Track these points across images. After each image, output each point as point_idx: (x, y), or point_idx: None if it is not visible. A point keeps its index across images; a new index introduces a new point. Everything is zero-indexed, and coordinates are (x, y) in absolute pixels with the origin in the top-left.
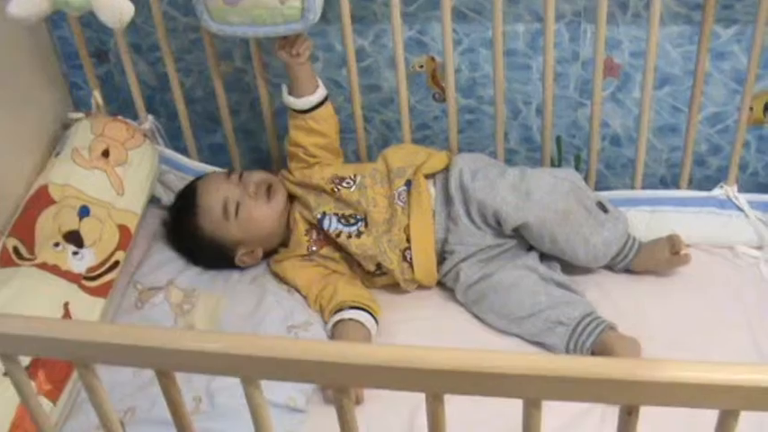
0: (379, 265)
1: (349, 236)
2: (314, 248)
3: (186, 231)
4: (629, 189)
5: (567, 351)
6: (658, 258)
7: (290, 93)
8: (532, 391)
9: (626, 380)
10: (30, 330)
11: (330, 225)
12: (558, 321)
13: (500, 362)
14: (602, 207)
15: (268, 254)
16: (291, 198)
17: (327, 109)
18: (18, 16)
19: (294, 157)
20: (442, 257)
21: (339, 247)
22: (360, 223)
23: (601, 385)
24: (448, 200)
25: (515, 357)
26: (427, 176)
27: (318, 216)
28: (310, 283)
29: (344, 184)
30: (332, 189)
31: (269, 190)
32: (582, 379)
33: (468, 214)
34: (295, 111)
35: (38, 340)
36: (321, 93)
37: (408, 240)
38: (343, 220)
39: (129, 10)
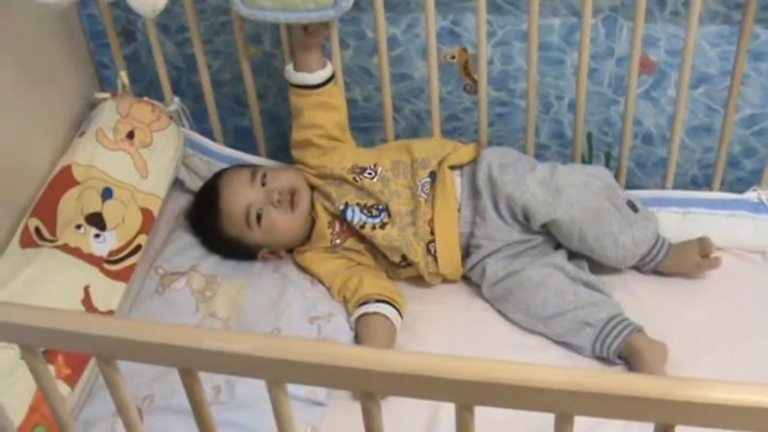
0: (404, 257)
1: (373, 227)
2: (337, 241)
3: (207, 230)
4: (660, 189)
5: (594, 352)
6: (688, 261)
7: (299, 69)
8: (566, 407)
9: (664, 399)
10: (51, 323)
11: (354, 216)
12: (584, 322)
13: (535, 375)
14: (633, 206)
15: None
16: (311, 188)
17: (337, 84)
18: (48, 1)
19: (308, 145)
20: (467, 251)
21: (363, 239)
22: (383, 214)
23: (637, 403)
24: (475, 193)
25: (550, 371)
26: (453, 168)
27: (341, 207)
28: (334, 275)
29: (366, 174)
30: (353, 178)
31: (293, 197)
32: (618, 396)
33: (497, 208)
34: (308, 87)
35: (58, 333)
36: (330, 67)
37: (432, 233)
38: (366, 211)
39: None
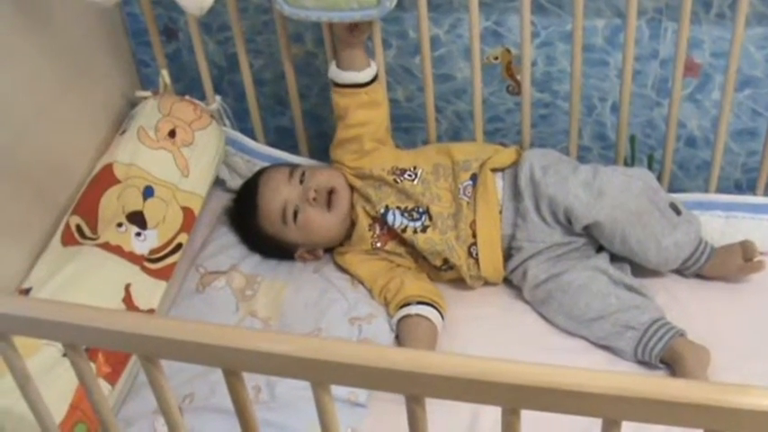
0: (445, 261)
1: (415, 231)
2: (378, 245)
3: (247, 227)
4: (703, 192)
5: (635, 356)
6: (730, 265)
7: (346, 68)
8: (613, 412)
9: (713, 405)
10: (96, 321)
11: (395, 220)
12: (627, 326)
13: (582, 380)
14: (676, 209)
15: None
16: (351, 189)
17: (380, 81)
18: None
19: (353, 143)
20: (509, 254)
21: (404, 242)
22: (423, 217)
23: (685, 409)
24: (516, 194)
25: (598, 376)
26: (494, 170)
27: (381, 210)
28: (375, 276)
29: (406, 176)
30: (393, 180)
31: (330, 196)
32: (666, 402)
33: (538, 210)
34: (356, 86)
35: (104, 332)
36: (374, 64)
37: (474, 236)
38: (406, 214)
39: None
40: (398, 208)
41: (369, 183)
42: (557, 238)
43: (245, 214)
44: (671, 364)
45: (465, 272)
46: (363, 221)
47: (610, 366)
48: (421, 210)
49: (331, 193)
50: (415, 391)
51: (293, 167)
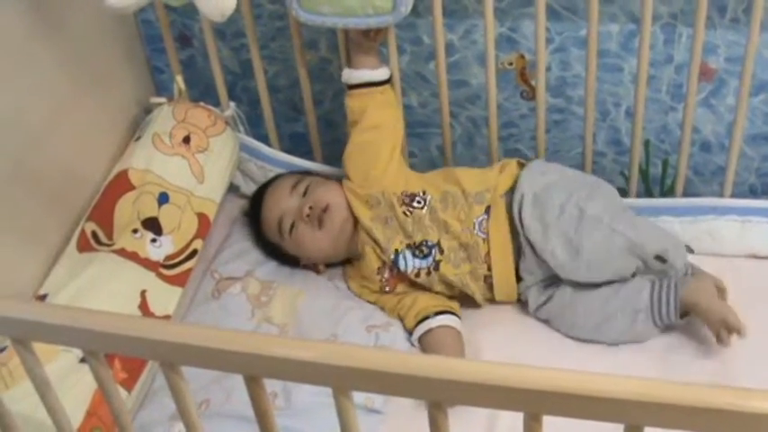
0: (460, 291)
1: (428, 272)
2: (387, 289)
3: (255, 232)
4: (718, 197)
5: (657, 327)
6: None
7: (363, 67)
8: (636, 417)
9: (736, 411)
10: (117, 328)
11: (407, 265)
12: (633, 310)
13: (606, 385)
14: (661, 258)
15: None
16: (356, 222)
17: (395, 86)
18: (116, 6)
19: (364, 150)
20: (516, 277)
21: (414, 283)
22: (434, 250)
23: (708, 414)
24: (514, 228)
25: (621, 381)
26: (502, 196)
27: (392, 257)
28: (384, 302)
29: (416, 203)
30: (404, 212)
31: (322, 215)
32: (690, 407)
33: (533, 248)
34: (372, 85)
35: (124, 339)
36: (388, 66)
37: (489, 268)
38: (417, 252)
39: (231, 3)
40: (408, 246)
41: (377, 215)
42: (554, 272)
43: (251, 221)
44: (688, 313)
45: (479, 299)
46: (372, 263)
47: (630, 365)
48: (430, 243)
49: (325, 210)
50: (438, 397)
51: (301, 178)
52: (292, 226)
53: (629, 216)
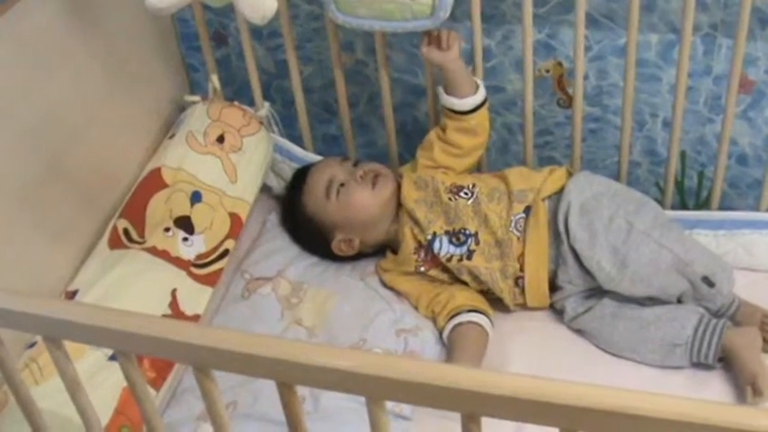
0: (489, 289)
1: (460, 258)
2: (422, 269)
3: (291, 208)
4: (753, 210)
5: (694, 364)
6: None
7: (449, 93)
8: None
9: None
10: (148, 330)
11: (441, 248)
12: (673, 344)
13: (644, 403)
14: (709, 281)
15: (372, 252)
16: (400, 207)
17: (487, 110)
18: (157, 6)
19: (438, 155)
20: (551, 286)
21: (448, 269)
22: (470, 240)
23: None
24: (557, 234)
25: (659, 400)
26: (544, 199)
27: (429, 237)
28: (420, 291)
29: (462, 194)
30: (449, 198)
31: (376, 178)
32: (729, 429)
33: (576, 257)
34: (454, 112)
35: (155, 341)
36: (482, 92)
37: (522, 269)
38: (454, 239)
39: (272, 6)
40: (446, 233)
41: (423, 197)
42: (596, 284)
43: (292, 192)
44: (725, 358)
45: (509, 300)
46: (410, 244)
47: (662, 380)
48: (468, 232)
49: (377, 176)
50: (474, 410)
51: (348, 157)
52: (341, 186)
53: (680, 234)
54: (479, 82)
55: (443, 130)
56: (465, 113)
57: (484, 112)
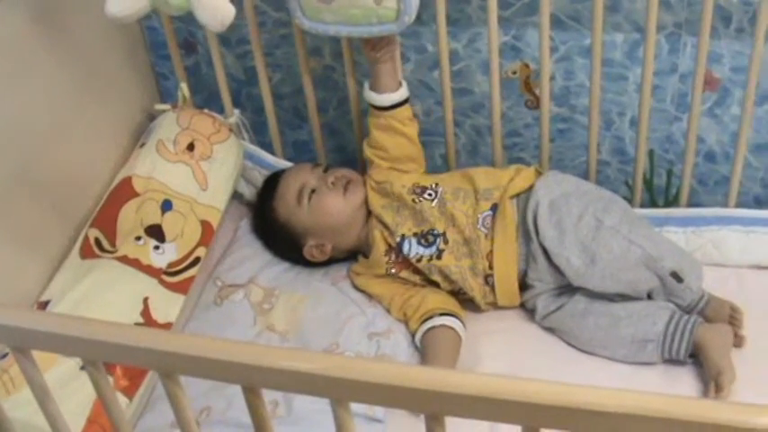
0: (460, 289)
1: (430, 258)
2: (393, 271)
3: (263, 214)
4: (722, 207)
5: (665, 360)
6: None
7: (371, 88)
8: (634, 431)
9: (733, 426)
10: (114, 337)
11: (410, 250)
12: (644, 340)
13: (603, 399)
14: (677, 276)
15: (343, 257)
16: (369, 213)
17: (408, 111)
18: (116, 15)
19: (372, 165)
20: (521, 285)
21: (419, 271)
22: (438, 240)
23: (705, 429)
24: (526, 233)
25: (619, 395)
26: (512, 197)
27: (398, 240)
28: (393, 293)
29: (426, 195)
30: (413, 200)
31: (348, 185)
32: (689, 422)
33: (546, 254)
34: (375, 108)
35: (122, 348)
36: (403, 92)
37: (491, 267)
38: (423, 241)
39: (230, 13)
40: (415, 234)
41: (388, 205)
42: (566, 281)
43: (263, 199)
44: (696, 354)
45: (480, 300)
46: (381, 246)
47: (634, 377)
48: (436, 232)
49: (348, 182)
50: (436, 409)
51: (319, 163)
52: (313, 192)
53: (649, 230)
54: (404, 84)
55: (369, 132)
56: (383, 109)
57: (404, 111)
